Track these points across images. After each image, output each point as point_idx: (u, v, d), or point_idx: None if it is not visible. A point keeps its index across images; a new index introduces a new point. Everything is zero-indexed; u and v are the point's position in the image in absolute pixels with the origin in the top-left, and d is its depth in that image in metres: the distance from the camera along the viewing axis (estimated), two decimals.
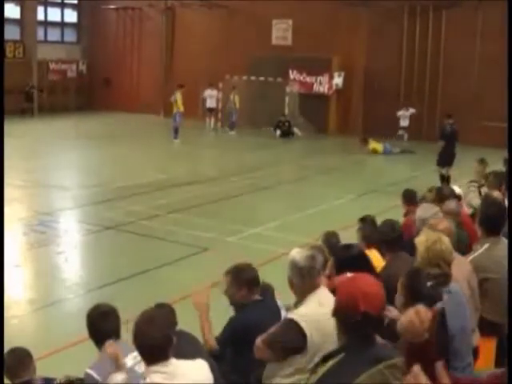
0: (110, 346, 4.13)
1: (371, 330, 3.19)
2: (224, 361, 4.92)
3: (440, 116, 20.56)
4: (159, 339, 3.60)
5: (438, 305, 3.83)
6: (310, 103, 25.72)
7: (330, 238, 6.75)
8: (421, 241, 4.68)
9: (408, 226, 6.85)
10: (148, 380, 3.62)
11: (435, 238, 4.62)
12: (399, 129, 24.19)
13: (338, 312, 3.26)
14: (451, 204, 7.16)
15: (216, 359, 4.69)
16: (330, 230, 7.05)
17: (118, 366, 4.05)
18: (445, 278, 4.43)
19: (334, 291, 4.66)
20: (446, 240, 4.63)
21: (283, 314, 5.03)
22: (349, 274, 4.70)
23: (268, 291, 5.26)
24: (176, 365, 3.67)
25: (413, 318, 2.43)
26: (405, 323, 2.45)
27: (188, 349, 4.25)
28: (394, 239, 5.98)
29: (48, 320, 8.42)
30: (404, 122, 24.26)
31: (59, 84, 31.36)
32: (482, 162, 11.20)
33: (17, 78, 27.71)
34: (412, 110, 24.20)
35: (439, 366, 2.24)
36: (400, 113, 24.28)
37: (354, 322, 3.13)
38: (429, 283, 3.91)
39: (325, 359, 3.31)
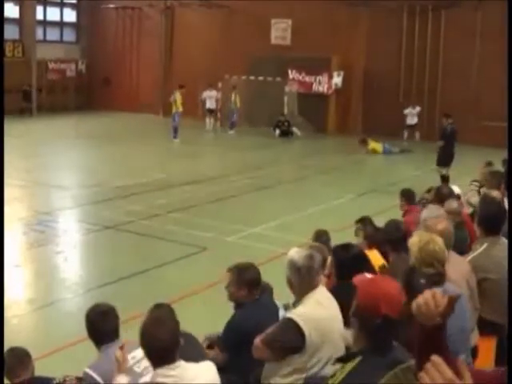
0: (121, 350, 4.05)
1: (391, 333, 3.12)
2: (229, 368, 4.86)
3: (439, 116, 20.52)
4: (167, 341, 3.52)
5: (450, 291, 3.80)
6: (309, 103, 25.68)
7: (321, 237, 6.80)
8: (414, 241, 4.67)
9: (409, 226, 6.85)
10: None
11: (428, 239, 4.60)
12: (405, 127, 24.27)
13: (357, 313, 3.16)
14: (453, 204, 7.14)
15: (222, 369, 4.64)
16: (320, 229, 7.10)
17: (121, 369, 4.01)
18: (439, 278, 4.43)
19: (332, 291, 4.69)
20: (439, 240, 4.62)
21: (281, 313, 5.03)
22: (367, 275, 4.71)
23: (266, 290, 5.26)
24: (184, 367, 3.60)
25: (429, 300, 2.43)
26: (420, 304, 2.45)
27: (189, 349, 4.25)
28: (399, 239, 6.00)
29: (48, 320, 8.42)
30: (412, 120, 24.34)
31: (58, 83, 31.30)
32: (489, 164, 11.08)
33: (16, 77, 27.65)
34: (418, 108, 24.27)
35: (459, 362, 2.20)
36: (407, 111, 24.30)
37: (374, 324, 3.06)
38: (422, 281, 3.93)
39: (340, 361, 3.25)
